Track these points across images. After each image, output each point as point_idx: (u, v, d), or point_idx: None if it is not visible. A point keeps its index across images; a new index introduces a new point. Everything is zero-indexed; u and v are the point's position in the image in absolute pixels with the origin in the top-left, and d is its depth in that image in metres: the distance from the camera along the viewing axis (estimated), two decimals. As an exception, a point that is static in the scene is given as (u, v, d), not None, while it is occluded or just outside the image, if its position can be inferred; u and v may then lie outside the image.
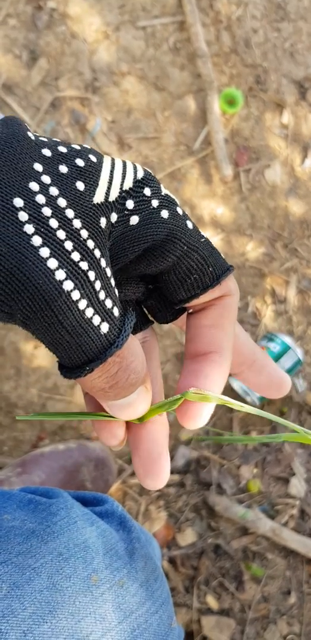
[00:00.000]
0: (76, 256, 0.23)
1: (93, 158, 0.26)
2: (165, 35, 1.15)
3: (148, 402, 0.28)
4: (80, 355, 0.24)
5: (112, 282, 0.25)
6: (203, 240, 0.28)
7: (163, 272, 0.29)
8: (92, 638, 0.42)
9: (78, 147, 0.26)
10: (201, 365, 0.28)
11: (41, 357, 1.03)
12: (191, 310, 0.30)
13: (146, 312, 0.33)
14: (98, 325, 0.24)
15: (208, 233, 1.13)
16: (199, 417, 0.28)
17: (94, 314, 0.24)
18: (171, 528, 1.02)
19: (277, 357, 1.04)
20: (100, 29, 1.12)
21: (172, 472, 1.05)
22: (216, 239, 1.13)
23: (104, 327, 0.24)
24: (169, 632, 0.47)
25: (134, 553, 0.48)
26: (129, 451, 1.05)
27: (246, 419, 1.09)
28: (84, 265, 0.24)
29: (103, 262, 0.25)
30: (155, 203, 0.27)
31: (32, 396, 1.03)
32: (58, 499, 0.49)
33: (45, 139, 0.26)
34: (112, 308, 0.25)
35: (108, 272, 0.25)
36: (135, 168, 0.27)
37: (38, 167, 0.24)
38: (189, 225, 0.28)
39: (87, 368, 0.24)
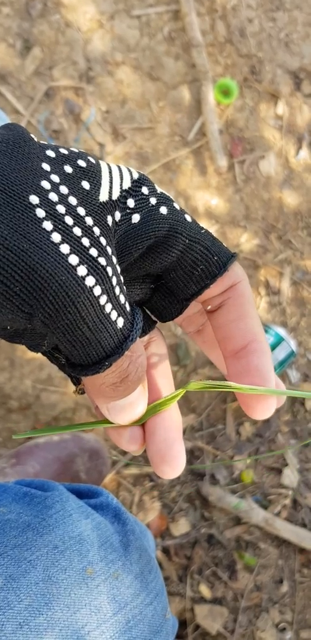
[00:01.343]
0: (94, 252, 0.24)
1: (92, 160, 0.27)
2: (160, 24, 1.14)
3: (146, 402, 0.29)
4: (98, 351, 0.25)
5: (122, 278, 0.26)
6: (203, 231, 0.29)
7: (169, 269, 0.29)
8: (87, 629, 0.42)
9: (76, 150, 0.27)
10: (248, 359, 0.29)
11: (35, 348, 1.03)
12: (209, 307, 0.30)
13: (149, 313, 0.33)
14: (115, 320, 0.25)
15: (202, 224, 1.12)
16: (269, 409, 0.28)
17: (112, 309, 0.24)
18: (164, 518, 1.03)
19: (271, 349, 1.04)
20: (94, 17, 1.12)
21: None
22: (210, 231, 1.13)
23: (120, 322, 0.25)
24: (163, 622, 0.48)
25: (128, 545, 0.49)
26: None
27: (240, 410, 1.09)
28: (102, 261, 0.24)
29: (114, 259, 0.25)
30: (153, 201, 0.27)
31: (27, 387, 1.03)
32: (53, 492, 0.49)
33: (45, 142, 0.26)
34: (125, 303, 0.25)
35: (118, 268, 0.25)
36: (129, 169, 0.28)
37: (46, 166, 0.24)
38: (188, 218, 0.28)
39: (107, 363, 0.25)
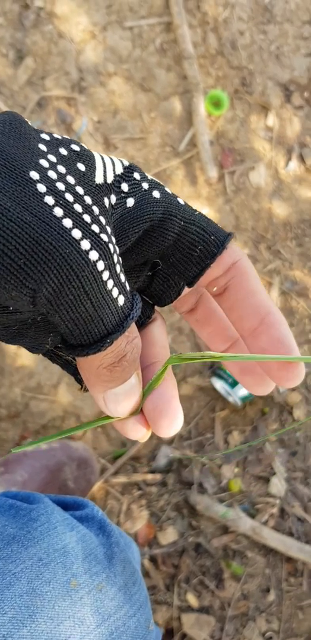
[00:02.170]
0: (95, 228, 0.24)
1: (84, 146, 0.27)
2: (152, 36, 1.15)
3: (140, 391, 0.29)
4: (100, 328, 0.24)
5: (121, 259, 0.26)
6: (196, 213, 0.29)
7: (167, 254, 0.29)
8: (70, 641, 0.43)
9: (69, 137, 0.27)
10: (269, 334, 0.29)
11: (25, 356, 1.03)
12: (215, 289, 0.31)
13: (146, 299, 0.33)
14: (116, 298, 0.25)
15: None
16: (299, 375, 0.28)
17: (113, 286, 0.24)
18: (152, 527, 1.03)
19: (259, 359, 1.05)
20: (87, 28, 1.12)
21: (153, 472, 1.06)
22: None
23: (121, 300, 0.25)
24: (146, 634, 0.48)
25: (113, 557, 0.49)
26: (112, 450, 1.05)
27: (228, 419, 1.10)
28: (104, 237, 0.24)
29: (113, 239, 0.25)
30: (145, 185, 0.28)
31: (16, 395, 1.03)
32: (39, 505, 0.49)
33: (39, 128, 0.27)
34: (125, 282, 0.25)
35: (118, 249, 0.26)
36: (119, 159, 0.28)
37: (43, 147, 0.25)
38: (181, 202, 0.29)
39: (108, 341, 0.25)
